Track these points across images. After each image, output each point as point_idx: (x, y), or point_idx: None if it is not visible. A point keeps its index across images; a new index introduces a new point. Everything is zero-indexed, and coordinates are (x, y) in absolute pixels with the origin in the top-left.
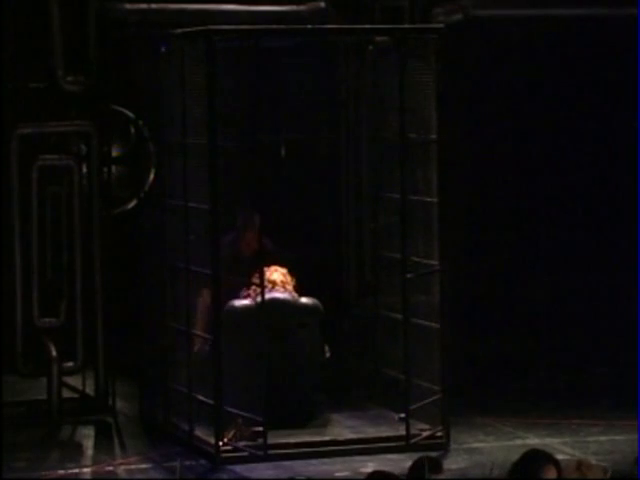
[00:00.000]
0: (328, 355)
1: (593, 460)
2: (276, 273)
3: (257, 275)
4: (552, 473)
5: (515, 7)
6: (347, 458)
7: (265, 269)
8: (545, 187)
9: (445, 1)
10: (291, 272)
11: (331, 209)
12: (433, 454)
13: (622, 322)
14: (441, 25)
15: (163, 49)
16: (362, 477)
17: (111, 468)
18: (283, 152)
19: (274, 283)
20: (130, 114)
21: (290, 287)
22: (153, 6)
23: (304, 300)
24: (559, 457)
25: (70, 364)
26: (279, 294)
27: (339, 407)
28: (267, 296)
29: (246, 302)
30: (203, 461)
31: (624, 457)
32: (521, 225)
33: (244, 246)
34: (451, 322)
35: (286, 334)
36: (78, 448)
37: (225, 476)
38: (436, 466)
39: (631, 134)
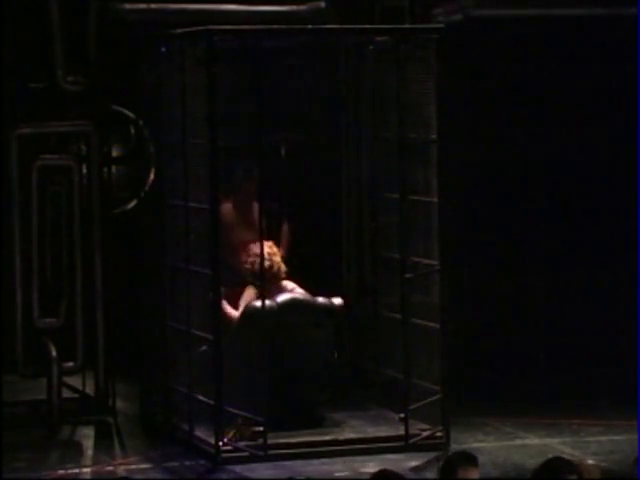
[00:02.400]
0: (336, 356)
1: (590, 460)
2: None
3: (251, 246)
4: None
5: (515, 7)
6: (347, 458)
7: (252, 245)
8: (545, 186)
9: (445, 1)
10: (276, 243)
11: (331, 209)
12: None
13: (622, 322)
14: (441, 25)
15: (163, 49)
16: (362, 477)
17: (111, 468)
18: (283, 152)
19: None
20: (130, 114)
21: (278, 258)
22: (153, 6)
23: (321, 300)
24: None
25: (70, 364)
26: (298, 294)
27: (339, 407)
28: (286, 296)
29: (266, 302)
30: (203, 461)
31: (624, 457)
32: (521, 225)
33: (243, 200)
34: (451, 322)
35: (302, 334)
36: (78, 448)
37: (225, 476)
38: (470, 460)
39: (631, 134)
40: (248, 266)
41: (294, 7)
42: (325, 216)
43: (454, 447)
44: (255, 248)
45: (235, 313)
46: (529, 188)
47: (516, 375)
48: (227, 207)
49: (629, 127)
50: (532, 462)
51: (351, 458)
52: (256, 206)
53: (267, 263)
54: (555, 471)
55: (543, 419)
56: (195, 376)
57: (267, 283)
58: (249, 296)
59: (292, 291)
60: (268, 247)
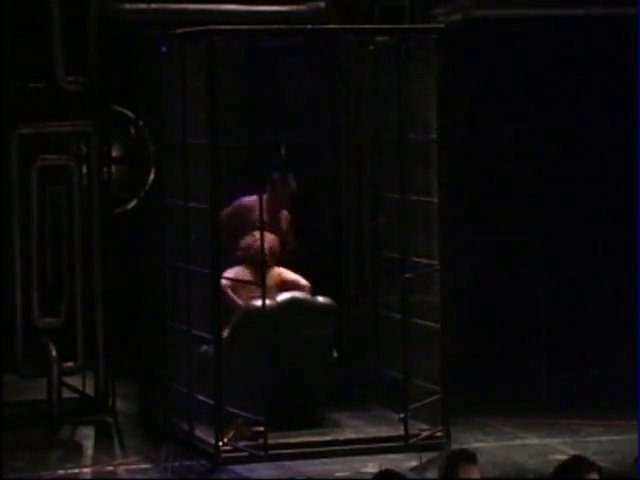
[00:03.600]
0: (335, 355)
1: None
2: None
3: (247, 239)
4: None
5: (515, 7)
6: (347, 458)
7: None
8: (545, 187)
9: (445, 1)
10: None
11: (331, 209)
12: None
13: (622, 322)
14: (441, 25)
15: (163, 49)
16: (362, 477)
17: (111, 468)
18: (283, 152)
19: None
20: (130, 114)
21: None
22: (153, 6)
23: (321, 299)
24: (558, 457)
25: (70, 364)
26: (297, 293)
27: (339, 407)
28: (286, 296)
29: (266, 302)
30: (203, 461)
31: (624, 457)
32: (521, 225)
33: (271, 205)
34: (451, 322)
35: (302, 333)
36: (78, 448)
37: (225, 476)
38: (471, 458)
39: (631, 134)
40: (240, 252)
41: (294, 7)
42: (325, 216)
43: (454, 447)
44: (249, 237)
45: (237, 300)
46: (529, 187)
47: (516, 375)
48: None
49: (629, 127)
50: (532, 462)
51: (351, 458)
52: (283, 213)
53: (252, 252)
54: (575, 470)
55: (543, 419)
56: (195, 376)
57: (254, 266)
58: (225, 285)
59: (279, 275)
60: (257, 236)
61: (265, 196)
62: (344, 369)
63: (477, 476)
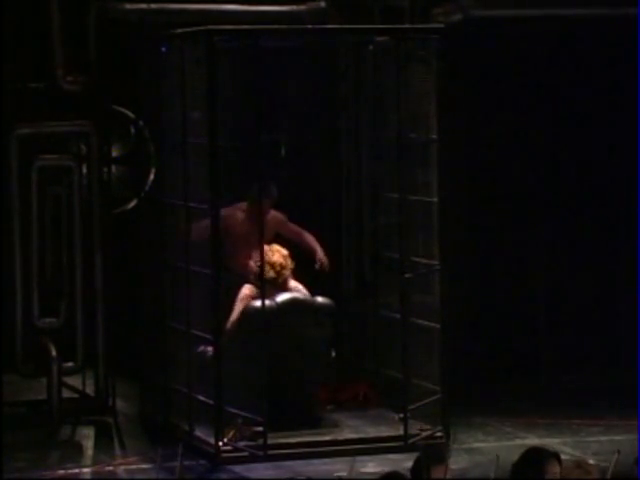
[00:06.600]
0: (333, 355)
1: (591, 460)
2: (277, 254)
3: (257, 254)
4: (555, 467)
5: (515, 7)
6: (347, 458)
7: (266, 248)
8: (545, 187)
9: (445, 1)
10: (292, 255)
11: (331, 209)
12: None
13: (622, 322)
14: (441, 25)
15: (163, 49)
16: (362, 477)
17: (111, 468)
18: (283, 152)
19: (273, 265)
20: (130, 114)
21: (287, 272)
22: (153, 6)
23: (320, 300)
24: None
25: (70, 364)
26: (298, 294)
27: (339, 407)
28: (286, 296)
29: (266, 302)
30: (203, 461)
31: (624, 457)
32: (521, 225)
33: (257, 213)
34: (451, 322)
35: (301, 333)
36: (78, 448)
37: (225, 476)
38: (438, 458)
39: (631, 134)
40: (254, 269)
41: (294, 7)
42: (325, 216)
43: (454, 447)
44: (271, 255)
45: (233, 317)
46: (529, 187)
47: (516, 375)
48: (238, 213)
49: (629, 127)
50: None
51: (351, 458)
52: (270, 220)
53: (271, 274)
54: (536, 461)
55: (543, 419)
56: (195, 376)
57: (271, 287)
58: (245, 295)
59: (294, 290)
60: (283, 258)
61: (245, 207)
62: (344, 369)
63: (446, 475)
